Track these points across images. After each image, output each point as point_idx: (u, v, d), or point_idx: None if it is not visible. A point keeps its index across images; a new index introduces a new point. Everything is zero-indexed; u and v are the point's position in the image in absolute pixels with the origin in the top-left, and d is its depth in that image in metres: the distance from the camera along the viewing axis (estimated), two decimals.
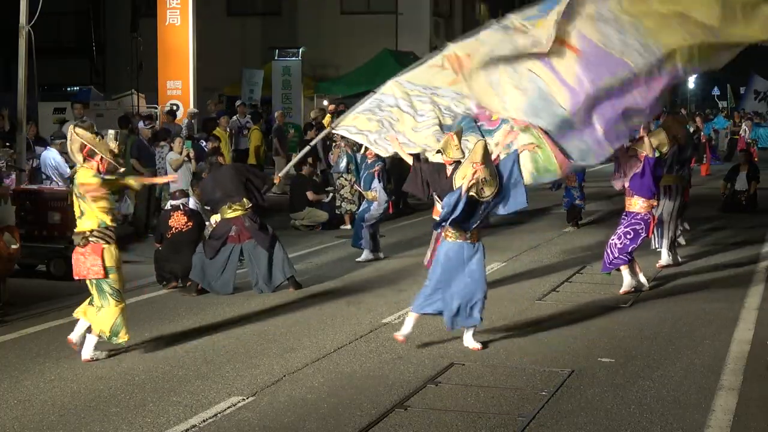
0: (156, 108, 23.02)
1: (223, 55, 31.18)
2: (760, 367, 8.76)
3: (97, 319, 9.05)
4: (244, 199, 11.93)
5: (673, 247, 13.86)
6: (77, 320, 9.27)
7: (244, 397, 7.89)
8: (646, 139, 11.85)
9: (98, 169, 9.05)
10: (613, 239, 11.91)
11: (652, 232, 12.77)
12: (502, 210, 9.41)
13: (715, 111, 47.86)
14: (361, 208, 15.01)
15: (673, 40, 10.24)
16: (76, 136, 9.07)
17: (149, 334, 9.95)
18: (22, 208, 12.95)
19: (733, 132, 37.18)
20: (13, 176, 14.07)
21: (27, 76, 14.39)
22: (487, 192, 9.04)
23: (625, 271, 11.91)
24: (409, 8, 33.43)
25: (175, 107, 22.18)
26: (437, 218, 9.49)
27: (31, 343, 9.72)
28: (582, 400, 7.83)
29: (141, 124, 18.27)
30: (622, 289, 11.85)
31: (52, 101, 23.15)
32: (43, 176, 15.49)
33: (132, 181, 9.78)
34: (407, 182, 10.15)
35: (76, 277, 9.24)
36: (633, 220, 11.89)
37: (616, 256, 11.83)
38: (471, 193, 8.96)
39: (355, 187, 16.50)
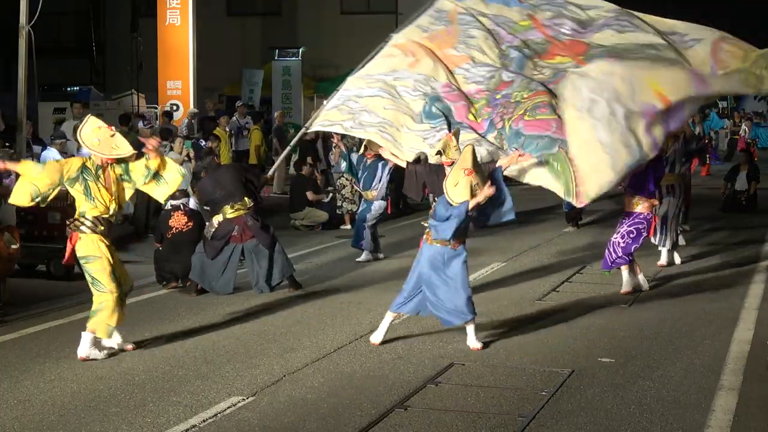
0: (156, 108, 23.05)
1: (223, 55, 31.20)
2: (760, 367, 8.76)
3: (93, 318, 9.06)
4: (246, 198, 11.91)
5: (673, 247, 13.86)
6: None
7: (244, 397, 7.88)
8: None
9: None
10: (615, 238, 11.88)
11: (654, 231, 12.77)
12: (489, 219, 9.47)
13: (707, 110, 47.78)
14: (361, 209, 15.00)
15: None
16: (83, 142, 9.17)
17: (149, 334, 9.94)
18: (22, 208, 12.92)
19: (733, 132, 37.19)
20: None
21: (27, 76, 14.36)
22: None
23: (624, 271, 11.91)
24: (409, 8, 33.16)
25: (174, 107, 22.20)
26: (448, 229, 9.21)
27: (31, 343, 9.71)
28: (582, 400, 7.83)
29: (141, 124, 18.28)
30: (623, 290, 11.85)
31: (52, 101, 23.19)
32: None
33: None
34: (405, 185, 10.18)
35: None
36: (636, 220, 11.87)
37: (619, 255, 11.82)
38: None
39: (355, 187, 16.49)
